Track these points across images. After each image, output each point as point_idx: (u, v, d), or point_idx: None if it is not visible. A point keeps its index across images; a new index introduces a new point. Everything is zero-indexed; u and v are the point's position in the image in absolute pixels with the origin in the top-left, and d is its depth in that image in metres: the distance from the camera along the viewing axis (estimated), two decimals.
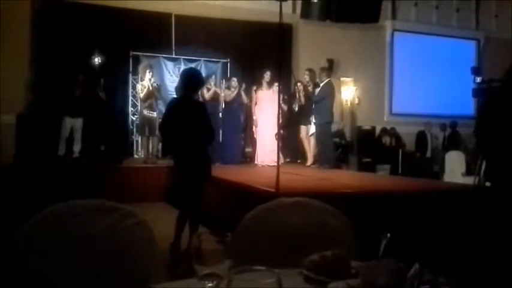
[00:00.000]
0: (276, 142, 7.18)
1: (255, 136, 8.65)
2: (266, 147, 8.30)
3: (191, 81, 4.50)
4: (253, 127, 8.69)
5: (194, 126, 4.28)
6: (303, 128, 8.52)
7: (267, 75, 8.40)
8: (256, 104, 8.54)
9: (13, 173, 7.23)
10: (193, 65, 10.41)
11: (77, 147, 8.74)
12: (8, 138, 7.98)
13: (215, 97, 8.67)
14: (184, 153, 4.38)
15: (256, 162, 8.46)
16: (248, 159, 9.04)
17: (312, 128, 8.25)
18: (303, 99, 8.52)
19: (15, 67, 8.89)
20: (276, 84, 7.65)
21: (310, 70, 8.60)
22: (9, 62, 8.80)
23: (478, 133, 3.35)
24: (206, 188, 4.50)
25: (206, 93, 8.57)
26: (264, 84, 8.45)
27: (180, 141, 4.36)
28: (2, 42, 8.65)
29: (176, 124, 4.32)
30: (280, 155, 7.81)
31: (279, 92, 5.55)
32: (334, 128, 10.94)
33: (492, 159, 3.42)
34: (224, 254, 1.01)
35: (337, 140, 10.58)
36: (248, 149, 9.28)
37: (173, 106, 4.51)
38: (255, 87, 8.68)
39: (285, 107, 8.75)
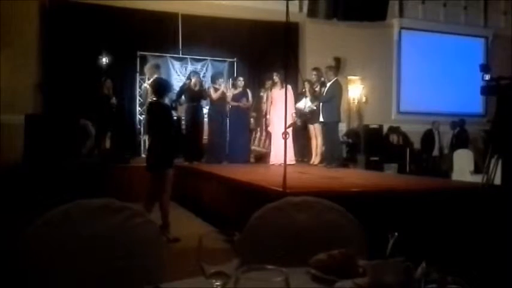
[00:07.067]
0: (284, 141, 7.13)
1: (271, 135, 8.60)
2: (275, 146, 8.27)
3: (157, 88, 5.35)
4: (269, 126, 8.67)
5: (157, 124, 5.19)
6: (310, 127, 8.50)
7: (277, 75, 8.38)
8: (272, 103, 8.50)
9: (22, 172, 7.28)
10: (200, 65, 10.45)
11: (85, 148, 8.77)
12: (16, 138, 8.02)
13: (223, 97, 8.67)
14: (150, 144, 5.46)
15: (270, 161, 8.42)
16: (253, 158, 9.03)
17: (318, 127, 8.23)
18: (310, 98, 8.48)
19: (23, 67, 8.94)
20: (283, 83, 7.62)
21: (317, 69, 8.58)
22: (18, 62, 8.86)
23: (494, 134, 3.33)
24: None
25: (214, 94, 8.56)
26: (277, 83, 8.43)
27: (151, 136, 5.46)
28: (11, 43, 8.71)
29: (149, 123, 5.50)
30: (292, 154, 7.84)
31: (286, 91, 5.53)
32: (347, 127, 10.95)
33: (507, 160, 3.39)
34: (232, 253, 1.01)
35: (345, 138, 10.55)
36: (253, 148, 9.24)
37: (147, 109, 5.58)
38: (266, 87, 8.65)
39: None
